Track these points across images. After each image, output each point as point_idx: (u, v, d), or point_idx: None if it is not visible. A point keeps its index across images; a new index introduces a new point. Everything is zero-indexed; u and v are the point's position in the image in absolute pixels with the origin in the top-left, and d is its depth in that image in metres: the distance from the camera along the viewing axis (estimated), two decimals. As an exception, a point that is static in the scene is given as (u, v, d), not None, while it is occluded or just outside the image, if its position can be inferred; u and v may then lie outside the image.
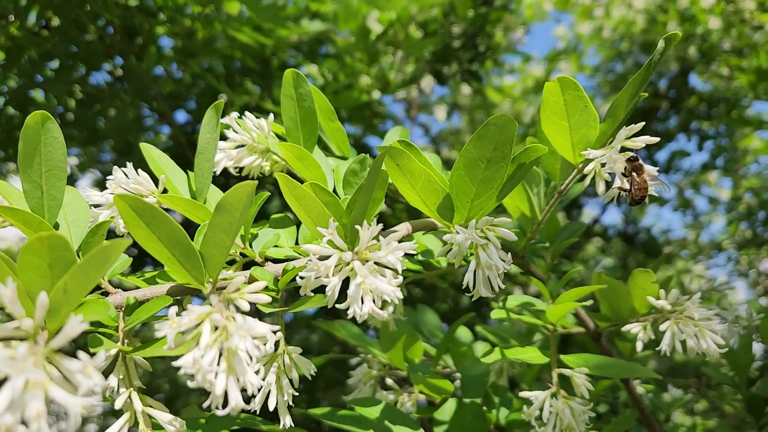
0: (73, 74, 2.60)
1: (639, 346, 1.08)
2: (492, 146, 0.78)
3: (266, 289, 0.83)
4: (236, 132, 1.00)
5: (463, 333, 1.61)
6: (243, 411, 0.84)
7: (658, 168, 0.87)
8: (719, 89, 4.18)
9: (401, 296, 0.67)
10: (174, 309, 0.58)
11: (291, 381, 0.80)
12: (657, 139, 0.86)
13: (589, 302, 1.04)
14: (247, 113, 1.00)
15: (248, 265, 0.92)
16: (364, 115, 2.60)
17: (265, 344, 0.61)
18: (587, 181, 0.89)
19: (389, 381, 1.27)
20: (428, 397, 1.25)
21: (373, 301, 0.68)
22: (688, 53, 4.16)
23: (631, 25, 4.53)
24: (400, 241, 0.87)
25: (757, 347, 1.35)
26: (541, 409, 0.98)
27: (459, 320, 1.39)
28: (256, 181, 0.62)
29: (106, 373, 0.79)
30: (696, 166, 5.00)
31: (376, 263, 0.71)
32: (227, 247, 0.66)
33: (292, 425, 0.78)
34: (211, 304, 0.61)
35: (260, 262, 0.88)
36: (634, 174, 0.87)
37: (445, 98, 4.46)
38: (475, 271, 0.79)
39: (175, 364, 0.56)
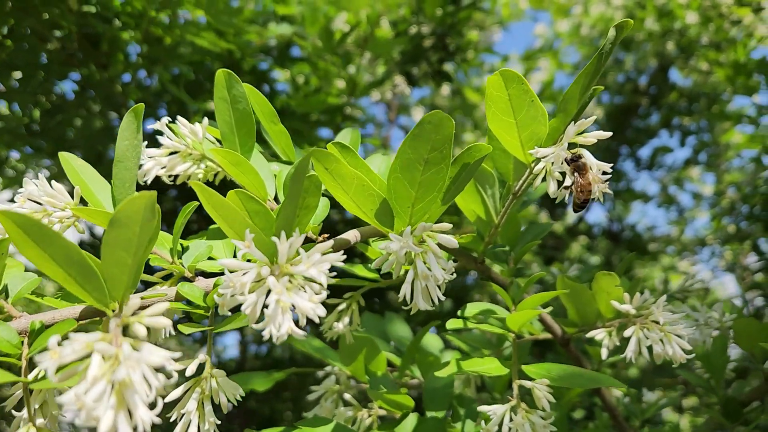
0: (36, 83, 2.54)
1: (604, 353, 1.03)
2: (429, 146, 0.72)
3: (194, 306, 0.78)
4: (169, 138, 0.94)
5: (432, 341, 1.55)
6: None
7: (612, 165, 0.81)
8: (699, 84, 4.14)
9: (323, 313, 0.61)
10: (56, 338, 0.52)
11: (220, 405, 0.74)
12: (609, 134, 0.80)
13: (548, 309, 0.98)
14: (179, 118, 0.94)
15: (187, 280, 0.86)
16: (335, 119, 2.54)
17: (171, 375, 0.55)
18: (538, 181, 0.83)
19: (347, 396, 1.20)
20: (389, 412, 1.19)
21: (297, 321, 0.62)
22: (666, 49, 4.12)
23: (609, 21, 4.50)
24: (337, 249, 0.81)
25: (736, 348, 1.30)
26: (501, 425, 0.92)
27: (424, 329, 1.33)
28: (155, 191, 0.56)
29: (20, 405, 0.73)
30: (679, 161, 4.96)
31: (301, 277, 0.65)
32: (130, 265, 0.59)
33: (216, 456, 0.72)
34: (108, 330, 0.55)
35: (190, 277, 0.82)
36: (576, 175, 0.81)
37: (425, 100, 4.40)
38: (413, 282, 0.73)
39: (57, 400, 0.50)
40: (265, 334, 0.60)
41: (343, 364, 1.28)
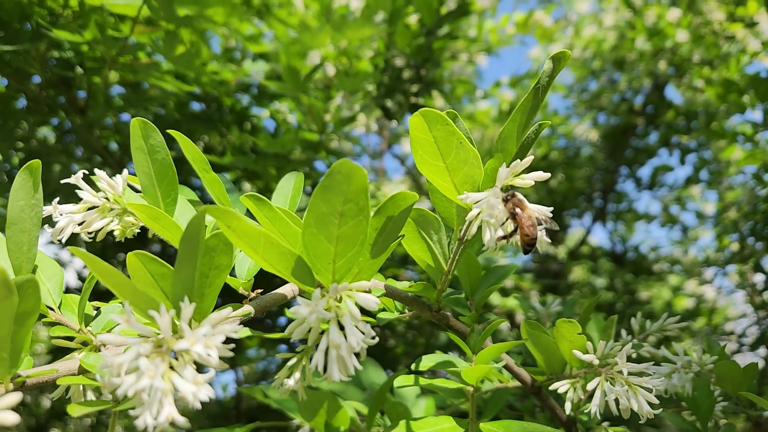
0: (16, 131, 2.52)
1: (567, 407, 0.95)
2: (342, 198, 0.65)
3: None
4: (88, 192, 0.87)
5: (408, 388, 1.47)
6: None
7: (552, 209, 0.74)
8: (691, 102, 4.08)
9: (206, 397, 0.54)
10: None
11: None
12: (548, 175, 0.73)
13: (501, 363, 0.90)
14: (98, 171, 0.88)
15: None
16: (319, 155, 2.49)
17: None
18: (473, 228, 0.76)
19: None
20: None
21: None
22: (658, 68, 4.07)
23: (601, 43, 4.46)
24: (272, 305, 0.74)
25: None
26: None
27: (391, 378, 1.26)
28: (2, 267, 0.49)
29: None
30: (680, 180, 4.87)
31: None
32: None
33: None
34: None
35: (99, 346, 0.75)
36: (518, 212, 0.74)
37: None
38: (326, 351, 0.65)
39: None
40: (139, 424, 0.52)
41: (304, 419, 1.21)
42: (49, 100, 2.22)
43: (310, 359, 1.10)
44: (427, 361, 1.00)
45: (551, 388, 0.97)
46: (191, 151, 0.93)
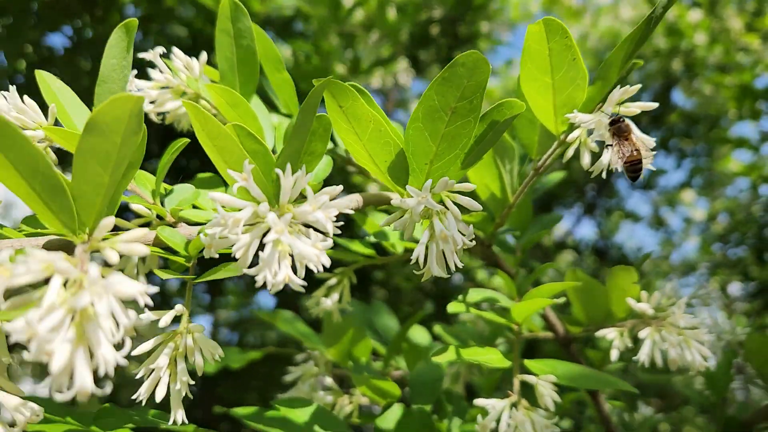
0: (27, 33, 2.44)
1: (614, 354, 0.94)
2: (458, 93, 0.63)
3: (175, 254, 0.68)
4: (161, 71, 0.84)
5: (420, 334, 1.46)
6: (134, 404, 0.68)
7: (654, 140, 0.73)
8: (703, 105, 4.10)
9: (327, 263, 0.52)
10: (8, 251, 0.42)
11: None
12: (655, 105, 0.72)
13: (561, 300, 0.90)
14: (175, 49, 0.84)
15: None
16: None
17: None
18: (570, 151, 0.75)
19: (328, 381, 1.11)
20: (372, 400, 1.10)
21: (295, 269, 0.53)
22: (672, 67, 4.08)
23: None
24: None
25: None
26: (498, 421, 0.84)
27: (413, 317, 1.25)
28: (143, 96, 0.47)
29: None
30: (672, 183, 4.93)
31: (300, 222, 0.56)
32: (106, 185, 0.50)
33: (185, 421, 0.63)
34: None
35: (172, 222, 0.73)
36: (619, 139, 0.73)
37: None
38: (427, 245, 0.64)
39: (5, 328, 0.41)
40: (259, 280, 0.51)
41: (326, 346, 1.20)
42: (74, 5, 2.16)
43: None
44: (474, 295, 0.99)
45: (599, 334, 0.96)
46: (265, 46, 0.90)
